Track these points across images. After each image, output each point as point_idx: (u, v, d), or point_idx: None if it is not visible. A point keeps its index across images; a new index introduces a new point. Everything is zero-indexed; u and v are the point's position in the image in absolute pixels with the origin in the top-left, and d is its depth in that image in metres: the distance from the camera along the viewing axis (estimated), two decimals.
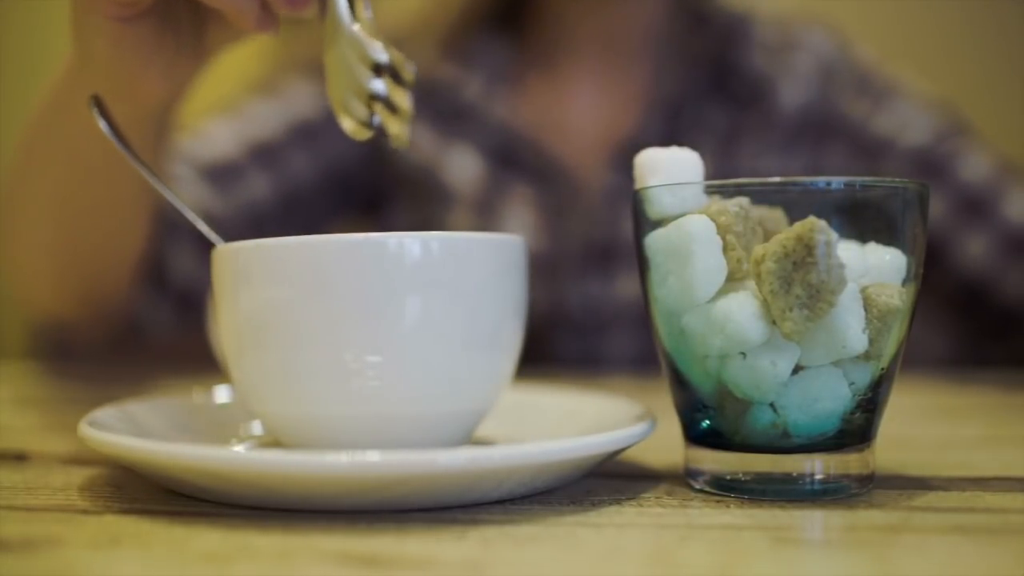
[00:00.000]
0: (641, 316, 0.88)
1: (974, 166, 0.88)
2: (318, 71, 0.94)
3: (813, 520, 0.34)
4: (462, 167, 0.91)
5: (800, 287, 0.33)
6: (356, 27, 0.42)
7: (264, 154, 0.90)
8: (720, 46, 0.93)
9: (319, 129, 0.93)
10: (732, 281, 0.35)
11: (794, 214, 0.34)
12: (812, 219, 0.33)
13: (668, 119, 0.90)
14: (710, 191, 0.36)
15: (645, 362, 0.87)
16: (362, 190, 0.95)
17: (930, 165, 0.88)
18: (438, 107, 0.93)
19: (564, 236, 0.88)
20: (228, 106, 0.93)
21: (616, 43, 0.94)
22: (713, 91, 0.92)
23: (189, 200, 0.82)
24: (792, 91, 0.92)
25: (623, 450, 0.38)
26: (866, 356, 0.35)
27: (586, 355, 0.88)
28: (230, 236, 0.89)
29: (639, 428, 0.37)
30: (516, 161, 0.91)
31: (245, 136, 0.90)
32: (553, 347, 0.87)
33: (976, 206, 0.86)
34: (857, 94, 0.93)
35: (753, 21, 0.95)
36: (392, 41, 1.03)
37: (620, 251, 0.89)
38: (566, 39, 0.94)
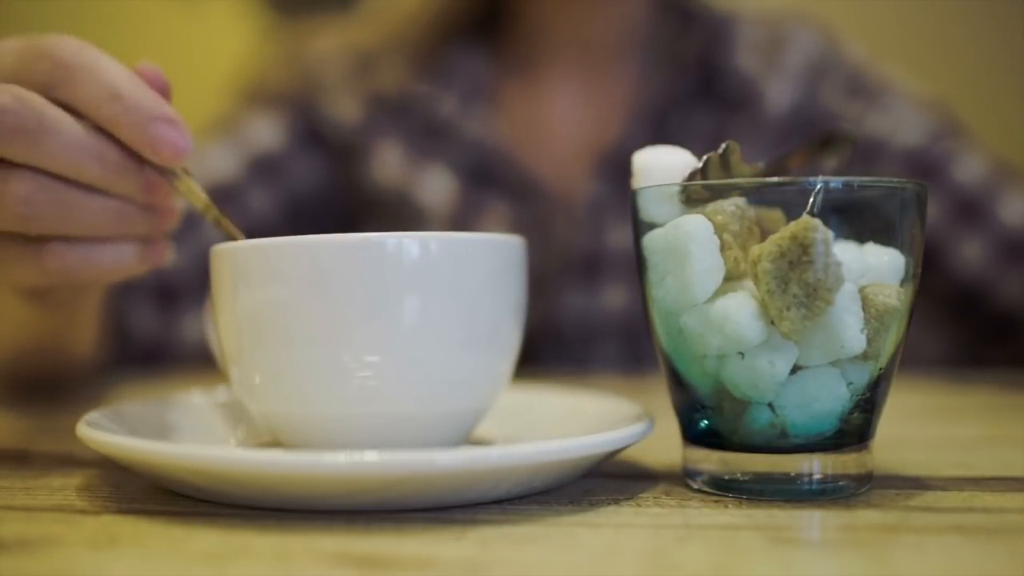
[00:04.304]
0: (628, 326, 0.88)
1: (969, 167, 0.87)
2: (274, 102, 0.94)
3: (811, 520, 0.34)
4: (435, 187, 0.90)
5: (797, 286, 0.33)
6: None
7: (222, 196, 0.89)
8: (705, 48, 0.92)
9: (279, 163, 0.93)
10: (730, 281, 0.35)
11: (793, 214, 0.35)
12: (807, 218, 0.33)
13: (654, 124, 0.89)
14: (707, 191, 0.36)
15: (633, 371, 0.87)
16: (330, 218, 0.94)
17: (924, 166, 0.87)
18: (411, 126, 0.92)
19: (544, 250, 0.87)
20: None
21: (598, 48, 0.93)
22: (700, 94, 0.90)
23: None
24: (781, 92, 0.91)
25: (621, 450, 0.38)
26: (864, 356, 0.35)
27: (574, 365, 0.87)
28: (192, 291, 0.87)
29: (637, 428, 0.37)
30: (491, 178, 0.90)
31: (201, 180, 0.89)
32: (541, 359, 0.87)
33: (971, 208, 0.86)
34: (848, 94, 0.92)
35: (739, 21, 0.94)
36: (365, 57, 1.02)
37: (606, 261, 0.88)
38: (547, 46, 0.92)
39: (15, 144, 0.38)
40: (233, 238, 0.42)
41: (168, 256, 0.45)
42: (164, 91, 0.42)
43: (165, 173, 0.42)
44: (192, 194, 0.42)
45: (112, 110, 0.39)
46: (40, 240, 0.41)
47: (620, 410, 0.43)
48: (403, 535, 0.32)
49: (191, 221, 0.87)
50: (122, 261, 0.43)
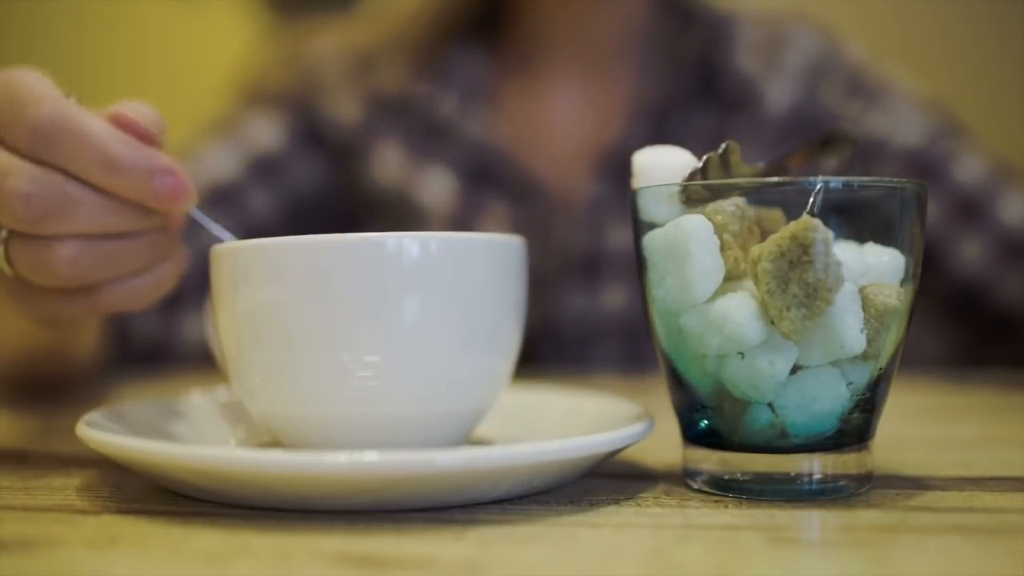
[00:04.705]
0: (628, 326, 0.88)
1: (969, 167, 0.87)
2: (274, 103, 0.93)
3: (811, 520, 0.34)
4: (435, 187, 0.90)
5: (797, 286, 0.33)
6: None
7: (222, 197, 0.89)
8: (705, 48, 0.92)
9: (279, 163, 0.92)
10: (730, 281, 0.35)
11: (793, 214, 0.35)
12: (807, 218, 0.33)
13: (654, 124, 0.89)
14: (707, 191, 0.36)
15: (633, 371, 0.86)
16: (330, 218, 0.94)
17: (924, 166, 0.87)
18: (411, 126, 0.92)
19: (544, 250, 0.87)
20: (182, 151, 0.92)
21: (598, 48, 0.93)
22: (700, 94, 0.90)
23: None
24: (781, 92, 0.91)
25: (621, 450, 0.38)
26: (864, 356, 0.35)
27: (574, 365, 0.87)
28: (192, 291, 0.86)
29: (637, 428, 0.37)
30: (491, 178, 0.89)
31: (200, 181, 0.89)
32: (541, 359, 0.86)
33: (971, 208, 0.85)
34: (848, 94, 0.92)
35: (739, 21, 0.94)
36: (365, 57, 1.02)
37: (606, 261, 0.88)
38: (547, 46, 0.92)
39: (47, 225, 0.39)
40: None
41: (186, 258, 0.46)
42: (149, 134, 0.41)
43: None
44: (205, 227, 0.43)
45: (107, 179, 0.39)
46: (94, 287, 0.42)
47: (620, 410, 0.43)
48: (403, 535, 0.32)
49: (190, 222, 0.87)
50: (163, 280, 0.44)
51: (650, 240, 0.37)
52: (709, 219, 0.35)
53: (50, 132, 0.39)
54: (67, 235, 0.40)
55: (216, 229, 0.43)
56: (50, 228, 0.39)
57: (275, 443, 0.43)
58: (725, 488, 0.37)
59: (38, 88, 0.39)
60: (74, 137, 0.39)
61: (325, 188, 0.94)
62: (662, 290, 0.37)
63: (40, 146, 0.39)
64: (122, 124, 0.40)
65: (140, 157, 0.39)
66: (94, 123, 0.39)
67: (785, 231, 0.33)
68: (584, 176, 0.89)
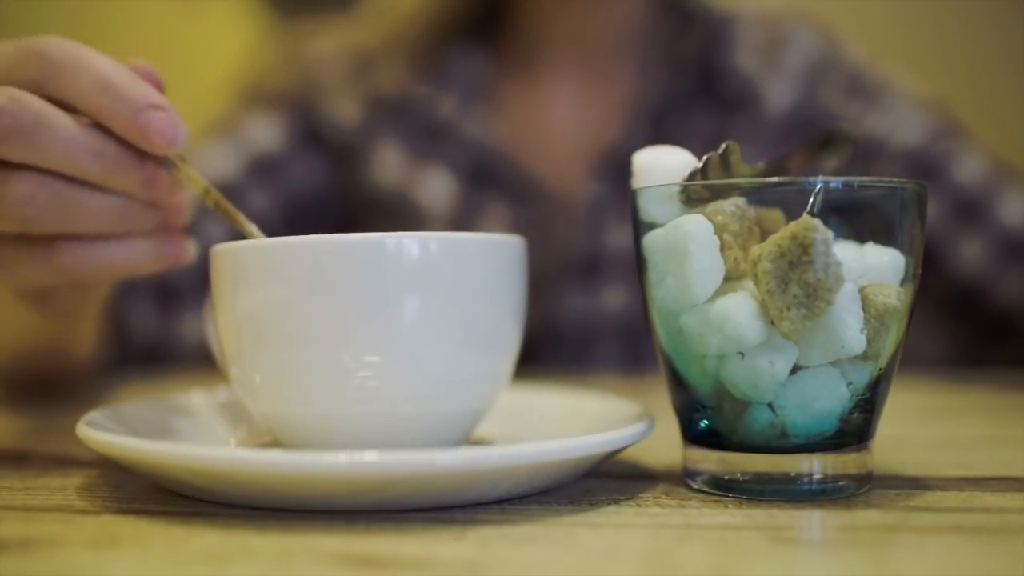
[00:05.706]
0: (628, 326, 0.88)
1: (968, 167, 0.87)
2: (273, 103, 0.93)
3: (811, 520, 0.34)
4: (435, 187, 0.90)
5: (797, 286, 0.33)
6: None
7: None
8: (705, 48, 0.92)
9: (278, 163, 0.92)
10: (730, 281, 0.35)
11: (793, 214, 0.35)
12: (807, 218, 0.33)
13: (653, 125, 0.89)
14: (707, 191, 0.36)
15: (633, 371, 0.87)
16: (330, 219, 0.94)
17: (924, 166, 0.87)
18: (411, 127, 0.92)
19: (544, 250, 0.87)
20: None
21: (597, 49, 0.93)
22: (699, 94, 0.90)
23: None
24: (781, 92, 0.91)
25: (621, 450, 0.38)
26: (864, 356, 0.35)
27: (574, 365, 0.87)
28: (192, 291, 0.86)
29: (637, 428, 0.37)
30: (491, 178, 0.89)
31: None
32: (541, 359, 0.86)
33: (971, 208, 0.85)
34: (848, 94, 0.92)
35: (739, 21, 0.94)
36: (365, 58, 1.02)
37: (606, 261, 0.88)
38: (546, 46, 0.92)
39: (13, 144, 0.38)
40: (233, 219, 0.43)
41: (190, 251, 0.45)
42: (155, 85, 0.41)
43: (163, 162, 0.42)
44: (190, 180, 0.42)
45: (101, 101, 0.39)
46: (50, 240, 0.41)
47: (620, 410, 0.43)
48: (403, 535, 0.32)
49: (190, 222, 0.87)
50: (134, 257, 0.43)
51: (650, 240, 0.37)
52: (709, 219, 0.35)
53: (58, 59, 0.39)
54: (25, 166, 0.39)
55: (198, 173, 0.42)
56: (10, 150, 0.38)
57: (275, 443, 0.43)
58: (725, 488, 0.37)
59: (58, 37, 0.40)
60: (79, 62, 0.39)
61: (325, 189, 0.94)
62: (662, 290, 0.37)
63: (48, 73, 0.39)
64: (134, 67, 0.41)
65: (137, 87, 0.39)
66: (102, 57, 0.40)
67: (785, 231, 0.33)
68: (584, 176, 0.89)
